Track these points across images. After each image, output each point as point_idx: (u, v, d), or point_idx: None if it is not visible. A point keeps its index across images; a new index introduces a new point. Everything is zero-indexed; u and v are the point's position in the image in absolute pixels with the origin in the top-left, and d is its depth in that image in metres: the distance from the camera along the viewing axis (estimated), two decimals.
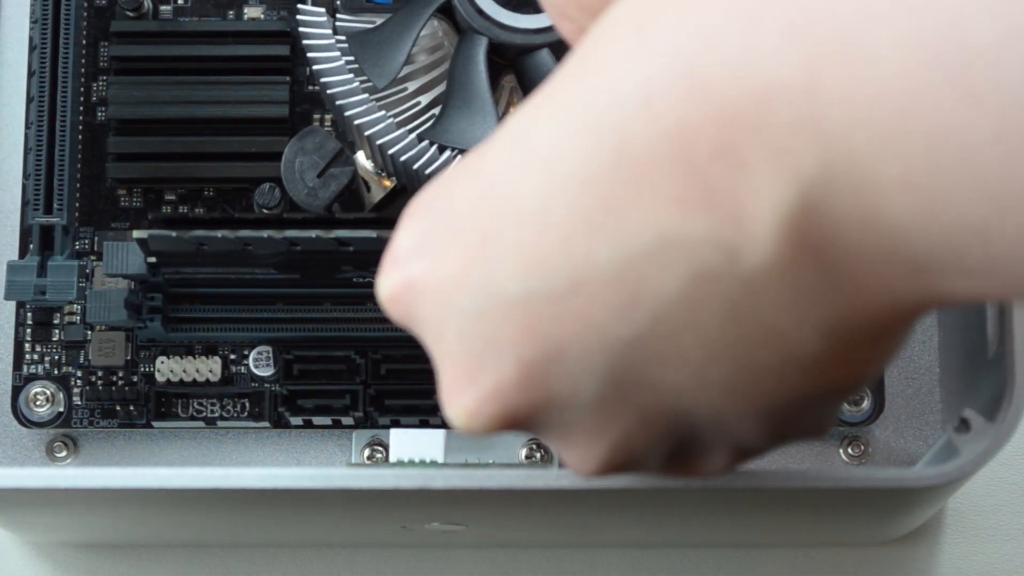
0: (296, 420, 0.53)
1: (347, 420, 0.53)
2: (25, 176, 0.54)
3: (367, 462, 0.54)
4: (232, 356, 0.54)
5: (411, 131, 0.48)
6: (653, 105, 0.27)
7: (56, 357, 0.54)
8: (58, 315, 0.54)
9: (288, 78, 0.54)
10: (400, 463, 0.51)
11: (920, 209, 0.25)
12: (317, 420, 0.54)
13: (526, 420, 0.32)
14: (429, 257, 0.31)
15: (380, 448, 0.54)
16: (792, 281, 0.28)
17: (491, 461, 0.53)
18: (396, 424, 0.53)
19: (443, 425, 0.52)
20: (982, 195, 0.25)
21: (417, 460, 0.51)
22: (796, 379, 0.30)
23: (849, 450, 0.54)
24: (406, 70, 0.49)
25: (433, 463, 0.51)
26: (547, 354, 0.30)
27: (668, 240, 0.28)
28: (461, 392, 0.32)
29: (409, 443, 0.52)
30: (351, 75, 0.48)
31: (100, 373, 0.54)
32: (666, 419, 0.31)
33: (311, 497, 0.43)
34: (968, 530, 0.56)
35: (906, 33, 0.25)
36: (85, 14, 0.56)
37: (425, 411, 0.52)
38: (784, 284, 0.28)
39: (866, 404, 0.54)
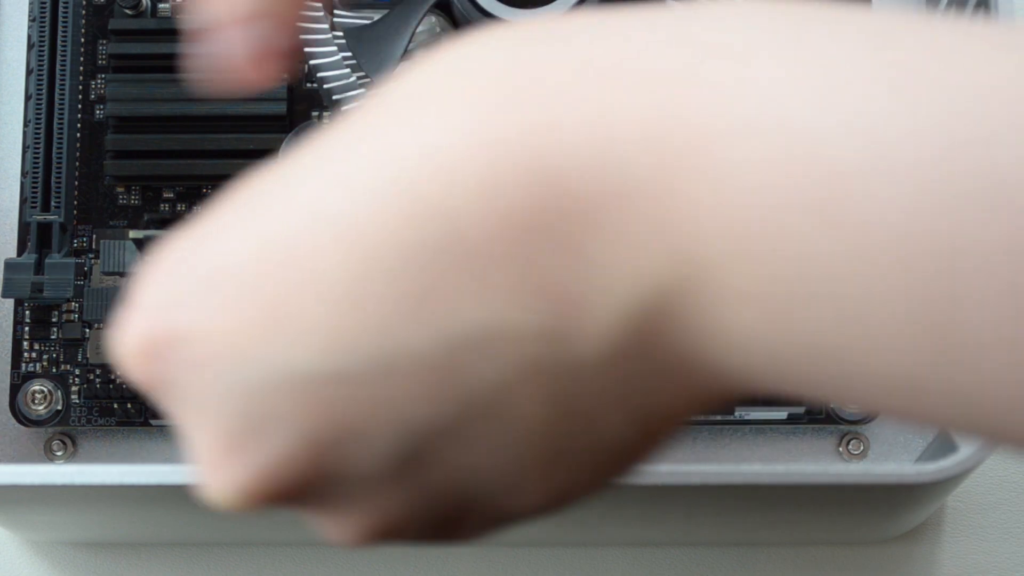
0: None
1: None
2: (23, 174, 0.54)
3: None
4: None
5: None
6: (497, 196, 0.26)
7: (54, 355, 0.54)
8: (56, 313, 0.54)
9: (286, 75, 0.54)
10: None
11: (764, 322, 0.25)
12: None
13: (299, 498, 0.29)
14: (199, 317, 0.28)
15: None
16: (621, 375, 0.27)
17: None
18: None
19: None
20: (830, 316, 0.25)
21: None
22: (598, 463, 0.29)
23: (849, 447, 0.54)
24: (403, 66, 0.49)
25: None
26: (336, 434, 0.28)
27: (495, 331, 0.26)
28: (224, 466, 0.29)
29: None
30: (349, 71, 0.48)
31: (98, 371, 0.54)
32: (451, 497, 0.29)
33: None
34: (968, 528, 0.56)
35: (771, 153, 0.25)
36: (83, 12, 0.56)
37: None
38: (612, 377, 0.27)
39: None
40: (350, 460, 0.28)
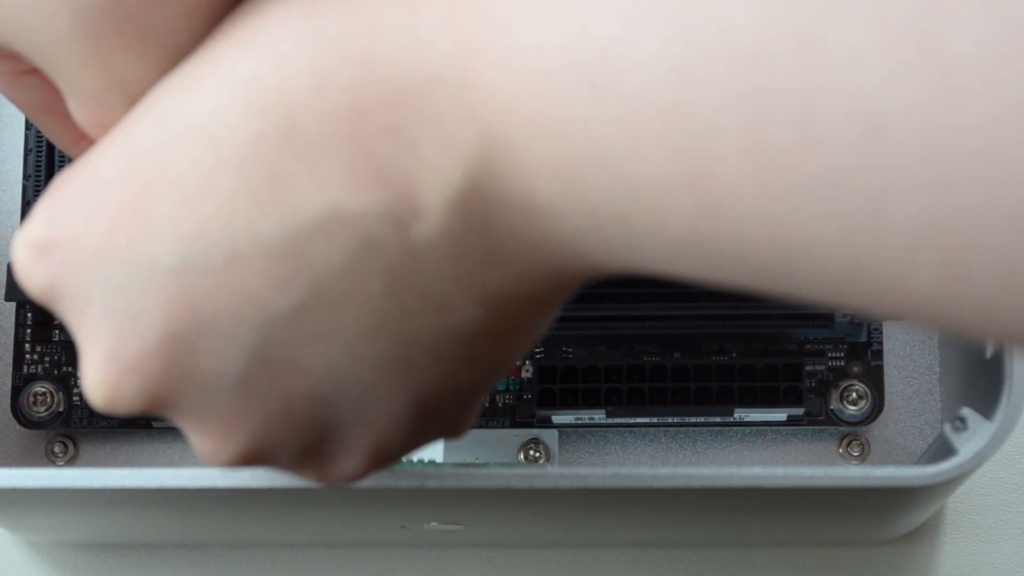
0: None
1: None
2: (25, 177, 0.54)
3: None
4: None
5: None
6: (325, 86, 0.28)
7: (56, 357, 0.54)
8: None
9: None
10: (399, 462, 0.51)
11: (565, 194, 0.27)
12: None
13: (167, 397, 0.31)
14: (71, 225, 0.30)
15: None
16: (458, 253, 0.29)
17: (490, 461, 0.53)
18: None
19: None
20: (615, 183, 0.26)
21: (416, 460, 0.51)
22: (451, 354, 0.30)
23: (849, 449, 0.54)
24: None
25: (432, 463, 0.51)
26: (196, 327, 0.29)
27: (335, 213, 0.28)
28: (102, 366, 0.30)
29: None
30: None
31: None
32: (310, 406, 0.31)
33: (310, 496, 0.43)
34: (968, 530, 0.56)
35: (542, 31, 0.26)
36: None
37: None
38: (450, 256, 0.29)
39: (866, 403, 0.54)
40: (211, 357, 0.30)
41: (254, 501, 0.44)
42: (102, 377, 0.31)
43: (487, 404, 0.53)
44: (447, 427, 0.34)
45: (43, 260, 0.31)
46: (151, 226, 0.29)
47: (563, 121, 0.26)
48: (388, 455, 0.33)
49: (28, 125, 0.54)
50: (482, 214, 0.28)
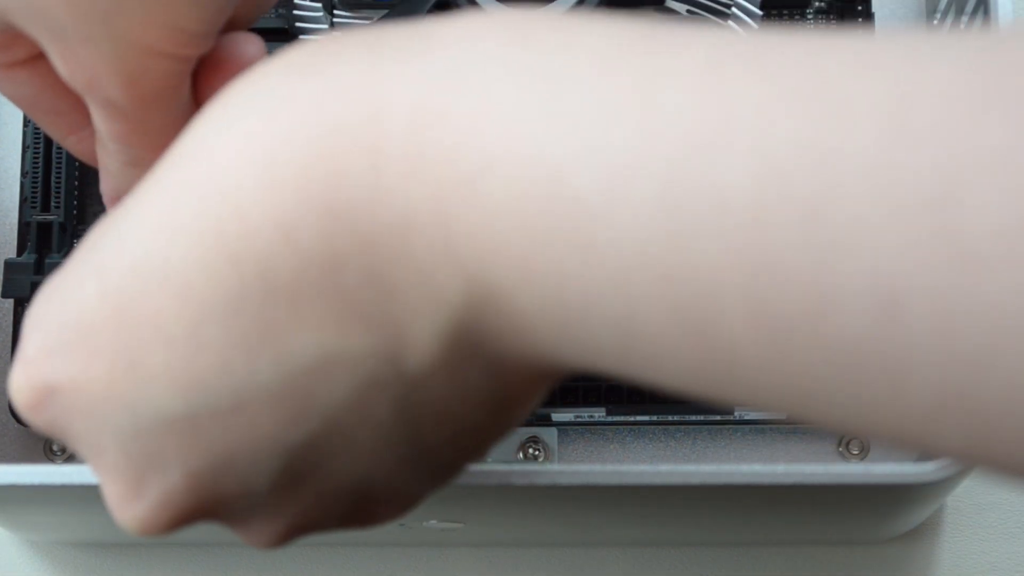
0: None
1: None
2: (23, 173, 0.54)
3: None
4: None
5: None
6: (292, 238, 0.28)
7: None
8: None
9: None
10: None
11: (558, 334, 0.27)
12: None
13: (203, 517, 0.32)
14: (70, 368, 0.30)
15: None
16: (457, 377, 0.29)
17: (489, 458, 0.53)
18: None
19: None
20: (612, 331, 0.26)
21: None
22: (470, 442, 0.31)
23: (849, 447, 0.54)
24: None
25: None
26: (215, 463, 0.30)
27: (329, 357, 0.28)
28: (130, 504, 0.31)
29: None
30: None
31: None
32: (344, 495, 0.32)
33: None
34: (967, 528, 0.56)
35: (516, 184, 0.26)
36: None
37: None
38: (450, 380, 0.29)
39: None
40: (237, 483, 0.31)
41: None
42: (133, 515, 0.31)
43: None
44: (470, 464, 0.35)
45: (47, 405, 0.31)
46: (149, 376, 0.29)
47: (552, 274, 0.26)
48: (420, 502, 0.34)
49: (26, 122, 0.54)
50: (475, 344, 0.28)
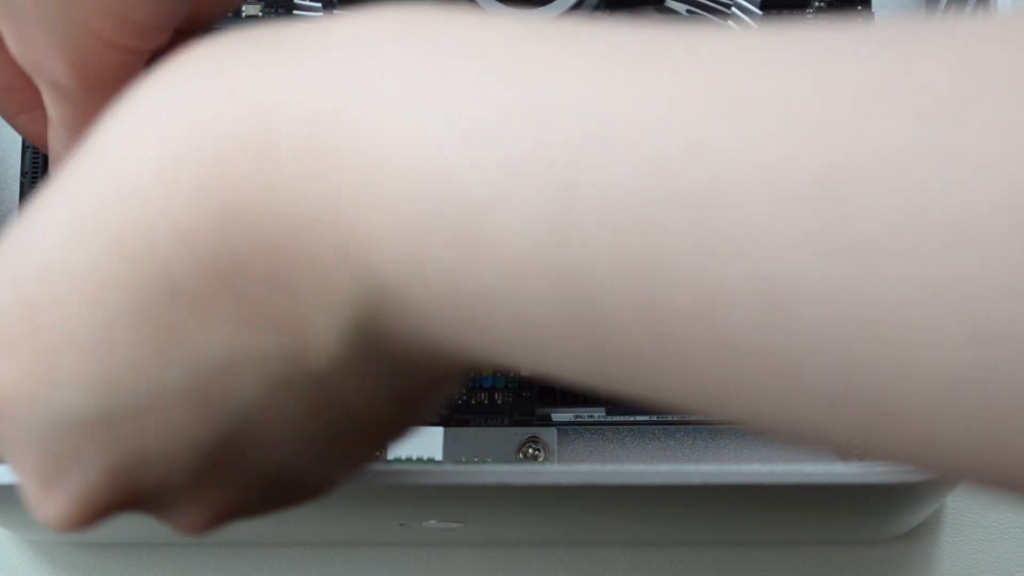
0: None
1: None
2: (23, 174, 0.54)
3: None
4: None
5: None
6: (189, 242, 0.28)
7: None
8: None
9: None
10: (398, 460, 0.51)
11: (457, 333, 0.27)
12: None
13: (126, 509, 0.32)
14: None
15: None
16: (363, 374, 0.29)
17: (489, 458, 0.53)
18: None
19: (441, 422, 0.52)
20: (508, 329, 0.26)
21: (415, 457, 0.51)
22: (381, 435, 0.32)
23: None
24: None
25: (431, 460, 0.51)
26: (133, 460, 0.31)
27: (236, 358, 0.29)
28: (50, 500, 0.32)
29: (407, 440, 0.52)
30: None
31: None
32: (265, 484, 0.32)
33: None
34: (967, 528, 0.56)
35: (409, 185, 0.26)
36: None
37: None
38: (356, 378, 0.29)
39: None
40: (156, 477, 0.31)
41: None
42: (53, 510, 0.32)
43: (487, 403, 0.53)
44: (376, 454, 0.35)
45: None
46: (62, 378, 0.30)
47: (446, 273, 0.26)
48: (321, 494, 0.34)
49: None
50: (378, 342, 0.28)
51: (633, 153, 0.24)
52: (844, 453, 0.25)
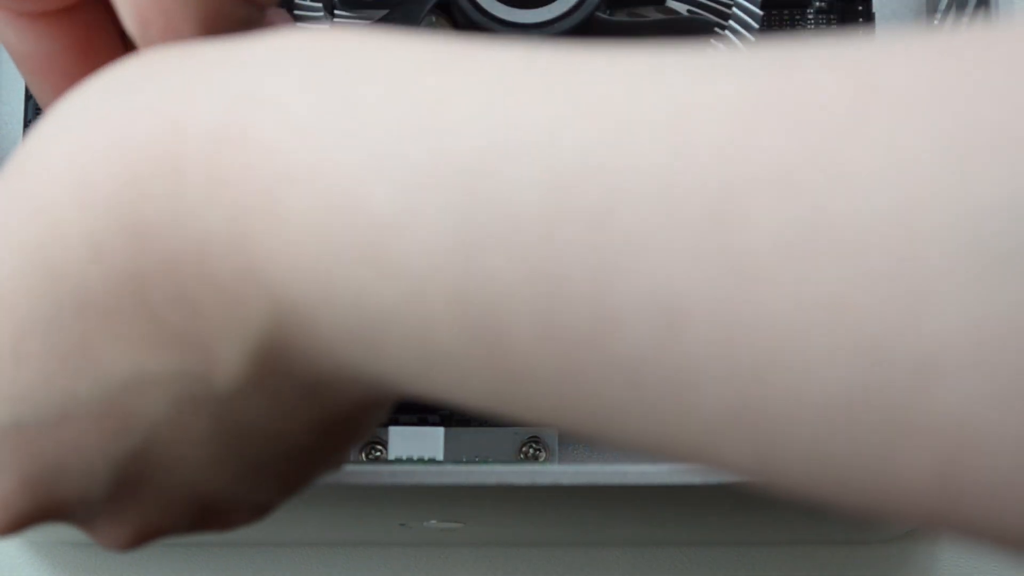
0: None
1: None
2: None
3: (366, 460, 0.54)
4: None
5: None
6: (102, 257, 0.28)
7: None
8: None
9: None
10: (399, 460, 0.51)
11: (362, 355, 0.27)
12: None
13: (44, 519, 0.32)
14: None
15: (379, 446, 0.54)
16: (271, 394, 0.29)
17: (489, 458, 0.53)
18: (394, 422, 0.53)
19: (442, 423, 0.52)
20: (412, 351, 0.26)
21: (416, 458, 0.51)
22: (308, 461, 0.32)
23: None
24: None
25: (432, 460, 0.51)
26: (47, 471, 0.31)
27: (143, 375, 0.29)
28: None
29: (408, 440, 0.52)
30: None
31: None
32: (184, 502, 0.32)
33: (310, 494, 0.42)
34: None
35: (312, 202, 0.26)
36: None
37: (424, 409, 0.52)
38: (264, 398, 0.29)
39: None
40: (73, 489, 0.31)
41: None
42: None
43: None
44: (326, 470, 0.35)
45: None
46: None
47: (351, 293, 0.26)
48: (275, 505, 0.34)
49: (27, 122, 0.54)
50: (285, 362, 0.28)
51: (531, 171, 0.24)
52: (728, 473, 0.25)
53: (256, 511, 0.34)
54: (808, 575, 0.56)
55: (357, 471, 0.42)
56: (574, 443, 0.54)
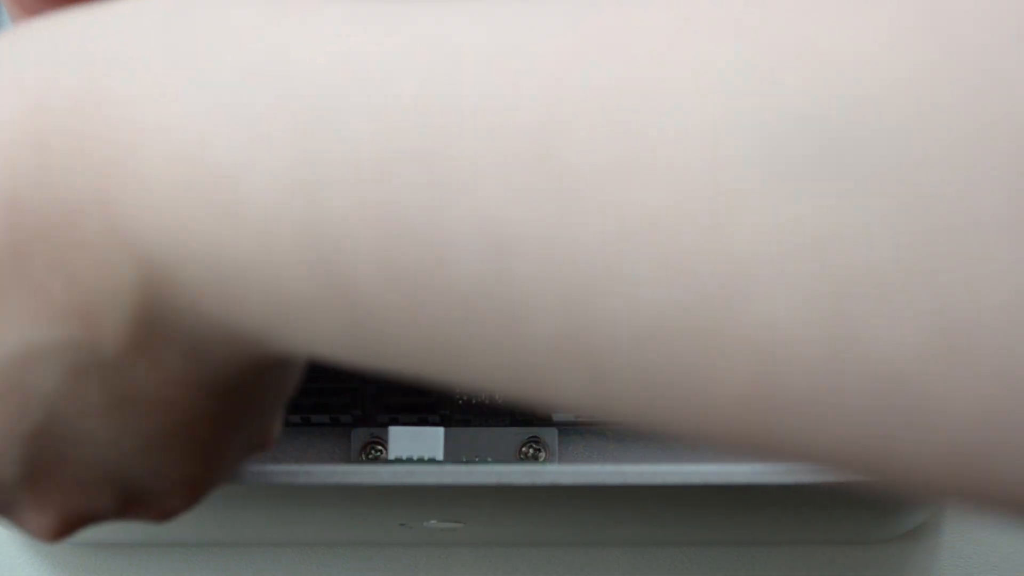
0: (294, 417, 0.53)
1: (346, 418, 0.53)
2: None
3: (366, 460, 0.54)
4: None
5: None
6: None
7: None
8: None
9: None
10: (399, 460, 0.51)
11: (227, 309, 0.27)
12: (315, 418, 0.53)
13: None
14: None
15: (379, 446, 0.54)
16: (158, 360, 0.29)
17: (489, 458, 0.53)
18: (395, 421, 0.53)
19: (442, 423, 0.52)
20: (269, 299, 0.26)
21: (416, 457, 0.51)
22: (211, 430, 0.32)
23: None
24: None
25: (432, 460, 0.51)
26: None
27: (34, 348, 0.29)
28: None
29: (408, 440, 0.52)
30: None
31: None
32: (103, 482, 0.32)
33: (309, 494, 0.42)
34: (967, 528, 0.56)
35: (167, 153, 0.26)
36: None
37: (424, 409, 0.52)
38: (153, 364, 0.29)
39: None
40: None
41: (254, 500, 0.44)
42: None
43: (487, 402, 0.53)
44: (253, 446, 0.35)
45: None
46: None
47: (207, 244, 0.26)
48: (203, 483, 0.34)
49: None
50: (165, 325, 0.28)
51: (366, 111, 0.24)
52: (564, 411, 0.26)
53: (184, 492, 0.33)
54: (808, 575, 0.56)
55: (357, 471, 0.42)
56: (574, 443, 0.54)
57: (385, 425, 0.53)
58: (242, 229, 0.26)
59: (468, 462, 0.53)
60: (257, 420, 0.33)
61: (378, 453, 0.54)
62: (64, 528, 0.33)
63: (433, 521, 0.49)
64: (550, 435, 0.53)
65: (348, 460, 0.54)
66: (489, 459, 0.53)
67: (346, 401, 0.53)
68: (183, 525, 0.52)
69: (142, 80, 0.27)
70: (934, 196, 0.21)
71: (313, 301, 0.26)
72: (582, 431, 0.54)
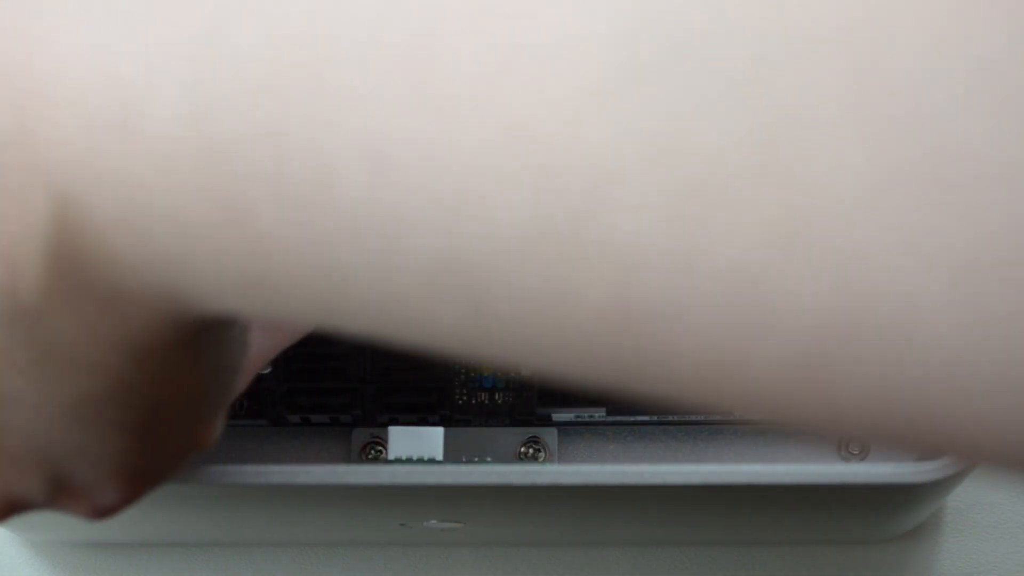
0: (294, 418, 0.53)
1: (345, 418, 0.53)
2: None
3: (365, 459, 0.54)
4: None
5: None
6: None
7: None
8: None
9: None
10: (399, 460, 0.51)
11: (135, 245, 0.26)
12: (315, 418, 0.54)
13: None
14: None
15: (379, 446, 0.54)
16: (77, 311, 0.28)
17: (489, 458, 0.53)
18: (395, 421, 0.53)
19: (442, 423, 0.52)
20: (173, 231, 0.26)
21: (416, 457, 0.51)
22: (137, 407, 0.30)
23: (849, 447, 0.54)
24: None
25: (432, 460, 0.51)
26: None
27: None
28: None
29: (408, 440, 0.52)
30: None
31: None
32: (34, 458, 0.31)
33: (309, 494, 0.42)
34: (967, 528, 0.56)
35: (79, 78, 0.26)
36: None
37: (424, 409, 0.52)
38: (71, 315, 0.28)
39: None
40: None
41: (252, 498, 0.44)
42: None
43: (487, 403, 0.53)
44: (189, 440, 0.34)
45: None
46: None
47: (114, 172, 0.26)
48: (140, 479, 0.33)
49: None
50: (81, 270, 0.27)
51: (257, 31, 0.24)
52: (434, 339, 0.25)
53: (118, 484, 0.33)
54: (808, 575, 0.56)
55: (357, 471, 0.42)
56: (574, 443, 0.54)
57: (385, 425, 0.53)
58: (144, 156, 0.25)
59: (468, 462, 0.53)
60: (193, 412, 0.32)
61: (378, 453, 0.54)
62: (4, 514, 0.33)
63: (433, 521, 0.49)
64: (550, 435, 0.53)
65: (348, 460, 0.54)
66: (489, 459, 0.53)
67: (346, 401, 0.53)
68: (183, 525, 0.52)
69: (62, 12, 0.27)
70: (778, 91, 0.21)
71: (212, 231, 0.25)
72: (582, 431, 0.54)
